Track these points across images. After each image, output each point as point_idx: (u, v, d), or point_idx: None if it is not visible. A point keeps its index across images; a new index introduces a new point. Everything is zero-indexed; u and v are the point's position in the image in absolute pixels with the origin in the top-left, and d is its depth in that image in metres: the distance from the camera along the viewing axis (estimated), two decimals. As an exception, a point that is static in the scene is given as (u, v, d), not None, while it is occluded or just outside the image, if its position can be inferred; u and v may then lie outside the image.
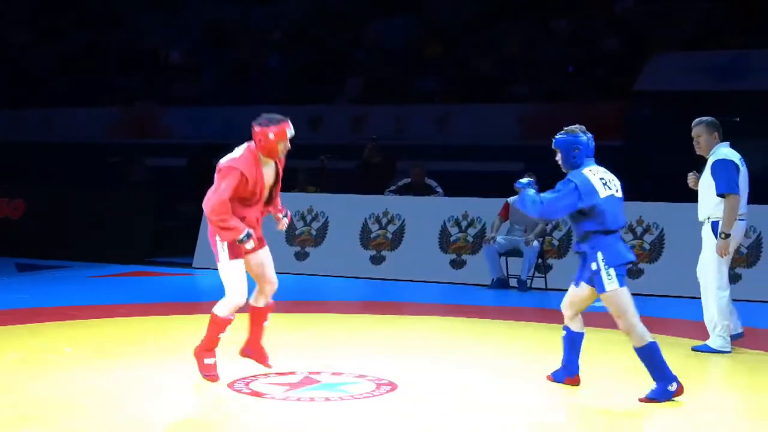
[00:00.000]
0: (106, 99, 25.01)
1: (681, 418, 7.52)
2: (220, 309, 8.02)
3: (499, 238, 14.67)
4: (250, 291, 8.19)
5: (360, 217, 16.16)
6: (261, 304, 8.32)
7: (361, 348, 10.07)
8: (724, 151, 9.81)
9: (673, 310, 11.71)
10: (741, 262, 13.71)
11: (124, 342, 10.15)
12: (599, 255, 7.78)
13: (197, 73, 25.77)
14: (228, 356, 8.96)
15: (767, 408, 7.94)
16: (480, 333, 11.17)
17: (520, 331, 11.35)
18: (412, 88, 22.65)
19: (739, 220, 9.74)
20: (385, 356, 9.55)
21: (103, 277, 15.56)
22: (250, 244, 7.81)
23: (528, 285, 14.50)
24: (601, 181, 7.79)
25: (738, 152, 9.85)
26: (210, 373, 8.06)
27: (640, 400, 7.76)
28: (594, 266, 7.79)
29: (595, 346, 10.32)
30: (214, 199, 7.73)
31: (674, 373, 7.82)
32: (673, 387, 7.75)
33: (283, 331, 10.99)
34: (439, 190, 16.36)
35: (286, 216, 8.35)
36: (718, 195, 9.65)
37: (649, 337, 7.78)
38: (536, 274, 14.63)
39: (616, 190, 7.88)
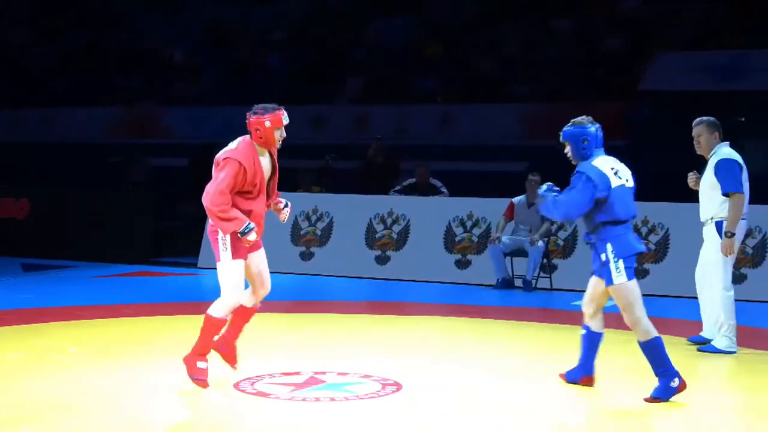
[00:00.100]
0: (106, 99, 25.01)
1: (684, 418, 7.52)
2: (216, 310, 7.90)
3: (504, 238, 14.66)
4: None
5: (365, 217, 16.15)
6: (249, 304, 8.26)
7: (367, 348, 10.06)
8: (727, 151, 9.81)
9: (678, 310, 11.69)
10: (746, 262, 13.71)
11: (129, 342, 10.15)
12: (609, 246, 7.75)
13: (198, 73, 25.77)
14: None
15: (772, 408, 7.95)
16: (485, 333, 11.17)
17: (525, 332, 11.33)
18: (413, 88, 22.64)
19: (741, 219, 9.74)
20: (390, 356, 9.55)
21: (108, 277, 15.57)
22: (252, 236, 7.73)
23: (533, 285, 14.50)
24: (612, 171, 7.78)
25: (738, 152, 9.86)
26: (201, 377, 7.85)
27: (646, 400, 7.76)
28: (603, 258, 7.77)
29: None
30: (212, 190, 7.69)
31: (685, 374, 7.81)
32: (676, 383, 7.74)
33: (289, 331, 11.01)
34: (444, 190, 16.35)
35: (287, 206, 8.29)
36: (724, 194, 9.65)
37: (654, 332, 7.77)
38: (541, 275, 14.63)
39: (627, 180, 7.86)
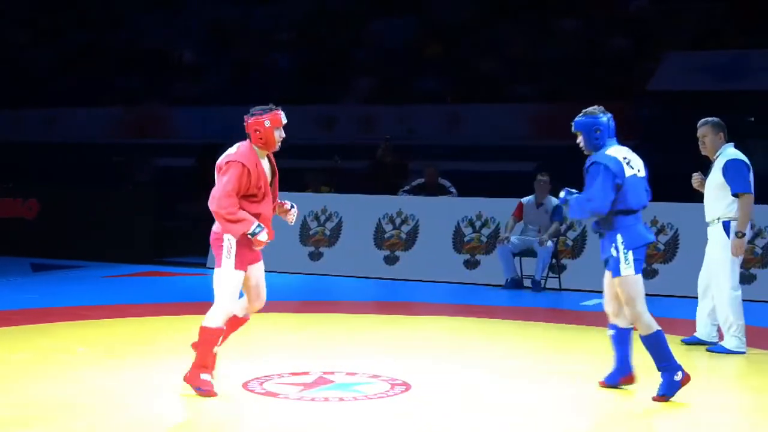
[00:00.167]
0: (107, 99, 25.05)
1: (690, 419, 7.52)
2: (212, 320, 7.72)
3: (513, 239, 14.64)
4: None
5: (374, 217, 16.13)
6: (241, 314, 8.07)
7: (375, 348, 10.05)
8: (733, 152, 9.79)
9: (687, 311, 11.62)
10: (756, 262, 13.67)
11: (135, 342, 10.15)
12: (618, 237, 7.71)
13: (201, 73, 25.79)
14: (243, 356, 8.97)
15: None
16: (493, 333, 11.16)
17: (534, 332, 11.31)
18: (420, 88, 22.65)
19: None
20: (399, 356, 9.54)
21: (116, 277, 15.58)
22: (263, 236, 7.62)
23: (542, 285, 14.48)
24: (625, 161, 7.73)
25: (743, 152, 9.84)
26: (207, 388, 7.72)
27: (654, 399, 7.74)
28: (613, 248, 7.72)
29: (598, 345, 10.31)
30: (218, 193, 7.61)
31: (693, 374, 7.79)
32: (679, 376, 7.72)
33: (297, 331, 11.01)
34: (453, 190, 16.33)
35: (293, 207, 8.21)
36: (733, 195, 9.63)
37: (655, 326, 7.74)
38: (550, 275, 14.61)
39: (639, 170, 7.82)
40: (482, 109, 21.32)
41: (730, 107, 16.58)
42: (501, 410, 7.63)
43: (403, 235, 15.88)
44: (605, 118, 7.82)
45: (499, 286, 14.69)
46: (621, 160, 7.70)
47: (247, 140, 7.80)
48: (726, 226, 9.72)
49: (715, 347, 9.90)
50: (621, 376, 8.12)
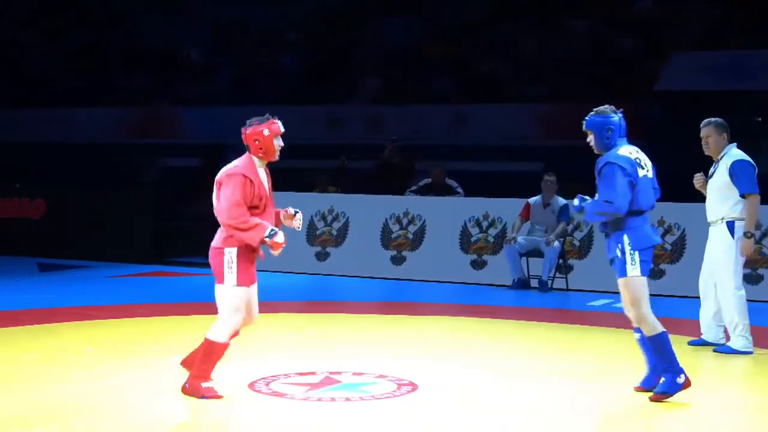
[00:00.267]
0: (107, 99, 25.07)
1: (692, 418, 7.50)
2: (218, 335, 7.65)
3: (520, 239, 14.63)
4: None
5: (381, 217, 16.13)
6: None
7: (382, 348, 10.04)
8: (738, 152, 9.78)
9: (694, 311, 11.60)
10: (763, 263, 13.65)
11: (142, 342, 10.16)
12: (625, 238, 7.67)
13: (207, 73, 25.81)
14: (247, 358, 8.97)
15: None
16: (500, 333, 11.15)
17: (541, 332, 11.30)
18: (427, 88, 22.64)
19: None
20: (405, 357, 9.54)
21: (122, 277, 15.59)
22: (280, 237, 7.55)
23: (549, 285, 14.46)
24: (637, 161, 7.71)
25: (749, 152, 9.83)
26: (211, 394, 7.66)
27: (652, 399, 7.72)
28: (618, 249, 7.70)
29: (601, 345, 10.32)
30: (226, 205, 7.52)
31: (698, 374, 7.77)
32: (682, 379, 7.68)
33: (304, 331, 11.01)
34: (460, 190, 16.32)
35: (297, 212, 8.13)
36: (741, 196, 9.62)
37: (660, 327, 7.70)
38: (557, 275, 14.59)
39: (648, 171, 7.79)
40: (489, 109, 21.32)
41: (736, 107, 16.59)
42: (502, 410, 7.63)
43: (410, 236, 15.88)
44: (617, 117, 7.76)
45: (506, 286, 14.69)
46: (634, 159, 7.68)
47: (246, 153, 7.74)
48: (730, 226, 9.70)
49: (721, 348, 9.88)
50: (656, 378, 8.01)
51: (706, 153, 9.92)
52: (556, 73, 21.59)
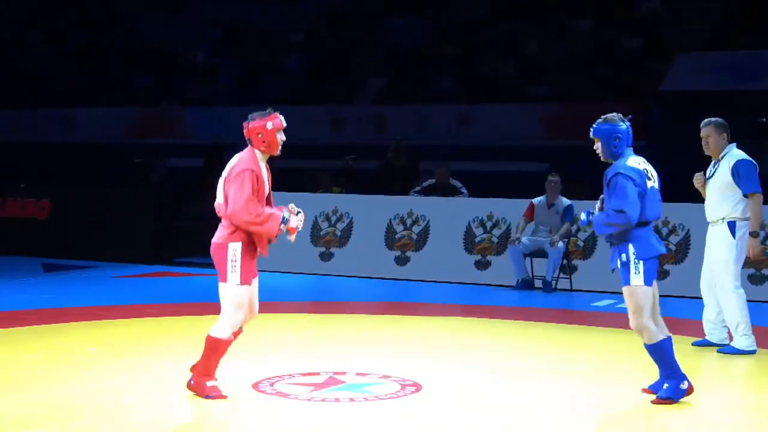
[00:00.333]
0: (107, 99, 25.11)
1: (691, 419, 7.51)
2: (221, 331, 7.66)
3: (524, 239, 14.63)
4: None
5: (385, 217, 16.13)
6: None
7: (386, 349, 10.06)
8: (739, 152, 9.79)
9: (698, 312, 11.62)
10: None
11: (149, 342, 10.17)
12: (630, 247, 7.67)
13: (212, 74, 25.82)
14: (251, 358, 8.99)
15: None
16: (506, 334, 11.16)
17: (545, 333, 11.31)
18: (431, 88, 22.65)
19: (745, 219, 9.71)
20: (409, 357, 9.55)
21: (129, 277, 15.61)
22: (294, 221, 7.63)
23: (553, 286, 14.47)
24: (645, 172, 7.71)
25: (752, 153, 9.84)
26: (215, 393, 7.68)
27: (653, 403, 7.72)
28: (624, 258, 7.69)
29: (602, 346, 10.32)
30: (241, 202, 7.50)
31: (699, 375, 7.77)
32: (685, 385, 7.69)
33: (308, 332, 11.02)
34: (464, 190, 16.32)
35: (300, 212, 8.11)
36: (744, 195, 9.62)
37: (661, 336, 7.70)
38: (561, 275, 14.60)
39: (654, 182, 7.79)
40: (491, 109, 21.34)
41: (741, 108, 16.59)
42: (502, 410, 7.66)
43: (414, 236, 15.88)
44: (624, 125, 7.74)
45: (510, 286, 14.68)
46: (642, 171, 7.68)
47: (248, 148, 7.73)
48: (731, 226, 9.71)
49: (725, 348, 9.87)
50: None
51: (707, 153, 9.93)
52: (558, 73, 21.62)
